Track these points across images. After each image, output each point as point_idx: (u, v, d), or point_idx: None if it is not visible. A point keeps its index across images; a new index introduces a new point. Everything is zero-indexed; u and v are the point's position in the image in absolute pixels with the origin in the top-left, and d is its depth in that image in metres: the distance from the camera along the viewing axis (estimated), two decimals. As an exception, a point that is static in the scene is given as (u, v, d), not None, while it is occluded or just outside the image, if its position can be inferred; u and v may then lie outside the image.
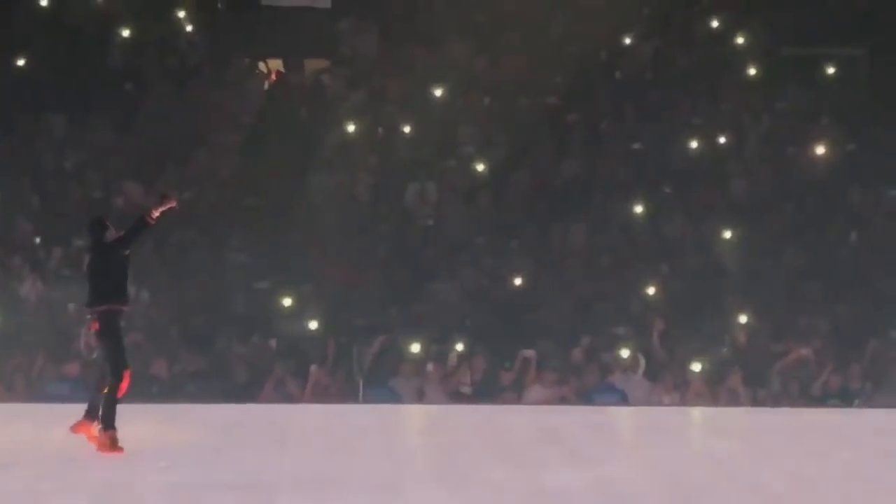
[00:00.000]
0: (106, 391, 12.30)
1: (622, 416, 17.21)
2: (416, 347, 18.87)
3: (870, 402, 18.31)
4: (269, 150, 21.19)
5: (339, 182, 21.06)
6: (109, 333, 12.30)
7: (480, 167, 21.29)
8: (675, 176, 21.29)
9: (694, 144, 21.70)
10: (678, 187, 21.21)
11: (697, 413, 17.53)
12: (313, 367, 18.50)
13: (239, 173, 21.22)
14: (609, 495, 10.93)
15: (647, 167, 21.38)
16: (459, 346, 18.99)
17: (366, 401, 17.96)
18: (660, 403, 18.34)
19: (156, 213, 12.40)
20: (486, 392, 18.59)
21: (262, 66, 22.84)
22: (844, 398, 18.40)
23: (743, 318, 19.42)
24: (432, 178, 21.15)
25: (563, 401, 18.24)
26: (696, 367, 18.64)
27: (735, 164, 21.57)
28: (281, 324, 19.25)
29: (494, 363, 18.85)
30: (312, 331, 19.05)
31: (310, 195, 20.85)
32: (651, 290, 19.85)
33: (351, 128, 21.63)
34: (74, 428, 12.61)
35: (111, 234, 12.52)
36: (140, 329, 18.71)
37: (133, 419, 13.30)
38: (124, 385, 12.30)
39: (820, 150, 21.57)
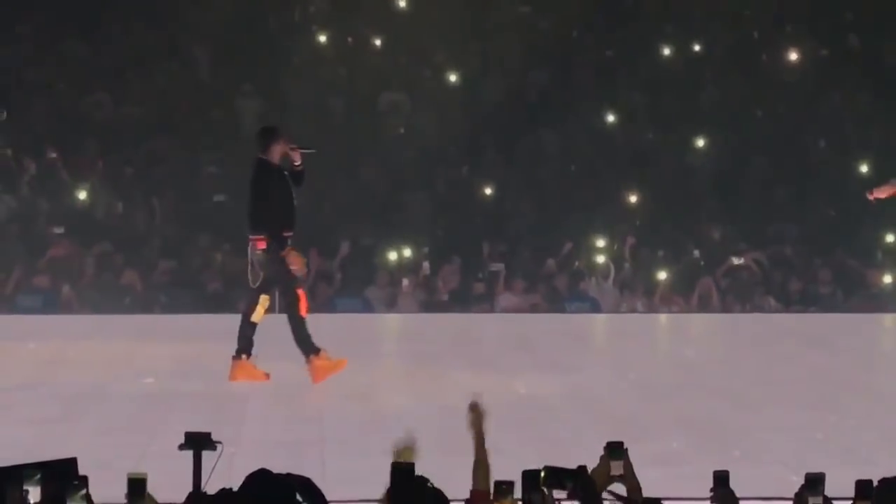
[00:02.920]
0: (289, 317, 11.63)
1: (593, 323, 17.34)
2: (392, 256, 18.93)
3: (840, 306, 18.47)
4: (240, 60, 21.06)
5: (312, 92, 20.98)
6: (278, 257, 11.58)
7: (452, 77, 21.23)
8: (646, 84, 21.27)
9: (666, 52, 21.65)
10: (650, 95, 21.20)
11: (668, 319, 17.67)
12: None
13: (209, 84, 21.10)
14: (579, 400, 11.05)
15: (618, 75, 21.34)
16: (430, 256, 19.06)
17: (338, 310, 18.03)
18: (630, 310, 18.48)
19: (298, 161, 11.79)
20: (459, 300, 18.68)
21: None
22: (814, 303, 18.56)
23: (714, 225, 19.53)
24: (404, 89, 21.10)
25: (534, 309, 18.34)
26: (665, 274, 18.77)
27: (706, 72, 21.55)
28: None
29: (467, 272, 18.93)
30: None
31: (282, 105, 20.75)
32: (622, 199, 19.92)
33: (322, 38, 21.51)
34: (233, 374, 11.66)
35: (279, 149, 11.76)
36: (112, 240, 18.71)
37: (106, 331, 13.37)
38: (302, 303, 11.68)
39: (792, 56, 21.55)
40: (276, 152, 11.79)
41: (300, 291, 11.73)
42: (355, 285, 18.88)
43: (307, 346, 11.54)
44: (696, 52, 21.82)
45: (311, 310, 12.12)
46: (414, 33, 21.47)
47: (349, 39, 21.67)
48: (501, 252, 19.23)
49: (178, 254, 18.93)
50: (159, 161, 19.94)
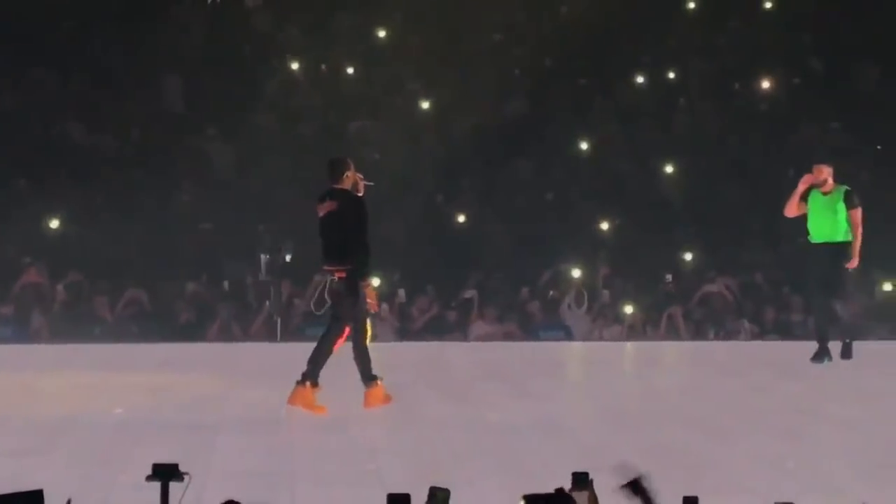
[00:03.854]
0: (356, 347, 11.63)
1: (566, 351, 17.33)
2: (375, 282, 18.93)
3: (812, 335, 18.50)
4: (214, 88, 21.06)
5: (284, 119, 20.99)
6: (356, 289, 11.59)
7: (426, 105, 21.26)
8: (621, 112, 21.34)
9: (640, 80, 21.75)
10: (624, 123, 21.28)
11: (640, 347, 17.67)
12: (267, 303, 18.51)
13: (184, 112, 21.09)
14: (550, 428, 11.02)
15: (592, 103, 21.41)
16: (404, 284, 19.06)
17: (287, 340, 17.96)
18: (602, 338, 18.48)
19: (365, 290, 11.74)
20: (433, 329, 18.66)
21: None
22: (786, 331, 18.60)
23: (686, 254, 19.57)
24: (376, 116, 21.12)
25: (508, 337, 18.34)
26: (631, 307, 18.80)
27: (680, 100, 21.64)
28: (226, 265, 19.24)
29: (440, 301, 18.92)
30: (257, 274, 19.06)
31: (255, 133, 20.76)
32: (597, 227, 19.96)
33: (295, 65, 21.53)
34: (293, 399, 11.59)
35: (349, 179, 11.70)
36: (84, 269, 18.66)
37: (76, 361, 13.30)
38: (341, 340, 11.69)
39: (765, 84, 21.66)
40: (348, 181, 11.79)
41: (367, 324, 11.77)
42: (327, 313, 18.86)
43: (369, 373, 11.70)
44: (670, 80, 21.91)
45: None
46: (388, 61, 21.52)
47: (322, 67, 21.70)
48: (477, 280, 19.24)
49: (149, 283, 18.88)
50: (131, 190, 19.90)
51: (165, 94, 21.18)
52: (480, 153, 20.67)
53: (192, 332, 18.08)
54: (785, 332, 18.58)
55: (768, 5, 22.61)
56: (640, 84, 21.74)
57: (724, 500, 6.08)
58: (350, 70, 21.59)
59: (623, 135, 21.20)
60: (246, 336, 18.28)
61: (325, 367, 11.68)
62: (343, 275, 11.57)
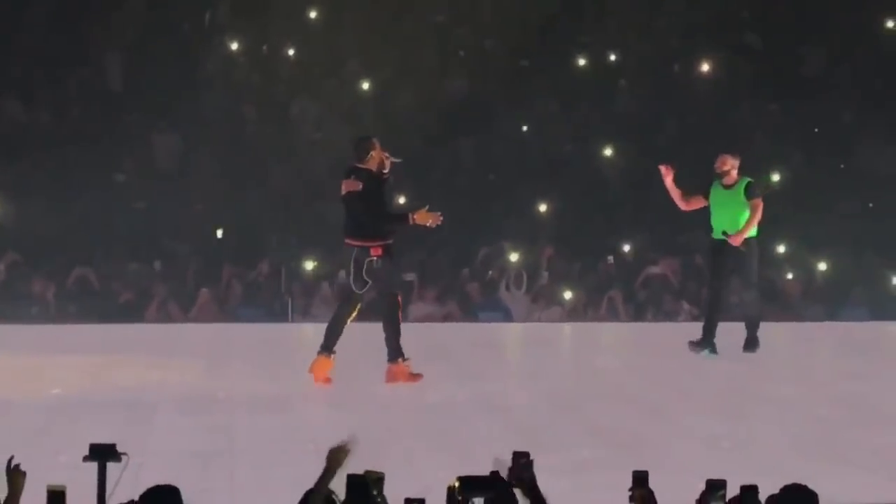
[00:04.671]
0: (388, 321, 12.00)
1: (505, 333, 17.38)
2: (309, 265, 18.89)
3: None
4: (154, 68, 20.90)
5: (224, 99, 20.88)
6: (392, 261, 12.04)
7: (365, 86, 21.22)
8: (561, 93, 21.38)
9: (581, 62, 21.78)
10: (564, 104, 21.32)
11: (580, 328, 17.75)
12: (203, 290, 18.44)
13: (120, 92, 20.92)
14: (490, 409, 11.06)
15: (532, 85, 21.44)
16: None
17: (242, 320, 17.96)
18: (541, 320, 18.54)
19: (419, 222, 12.05)
20: (373, 310, 18.63)
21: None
22: (727, 311, 18.71)
23: (625, 236, 19.67)
24: (317, 96, 21.06)
25: (448, 318, 18.36)
26: (577, 284, 18.87)
27: (620, 81, 21.70)
28: (163, 245, 19.14)
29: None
30: (195, 253, 19.00)
31: (195, 113, 20.63)
32: (537, 208, 20.01)
33: (234, 45, 21.42)
34: (314, 369, 11.97)
35: (375, 157, 11.97)
36: (21, 249, 18.49)
37: (12, 342, 13.20)
38: (401, 309, 12.14)
39: (704, 67, 21.75)
40: (374, 161, 12.02)
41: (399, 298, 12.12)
42: (267, 295, 18.80)
43: (396, 351, 11.96)
44: (611, 62, 21.96)
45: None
46: (327, 41, 21.45)
47: (263, 48, 21.59)
48: (418, 261, 19.23)
49: (88, 263, 18.75)
50: (69, 168, 19.74)
51: (104, 73, 21.01)
52: (421, 133, 20.65)
53: (131, 312, 17.98)
54: (726, 312, 18.69)
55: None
56: (581, 66, 21.79)
57: (660, 478, 6.12)
58: (290, 51, 21.50)
59: (563, 116, 21.25)
60: (186, 318, 18.21)
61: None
62: (379, 252, 11.85)
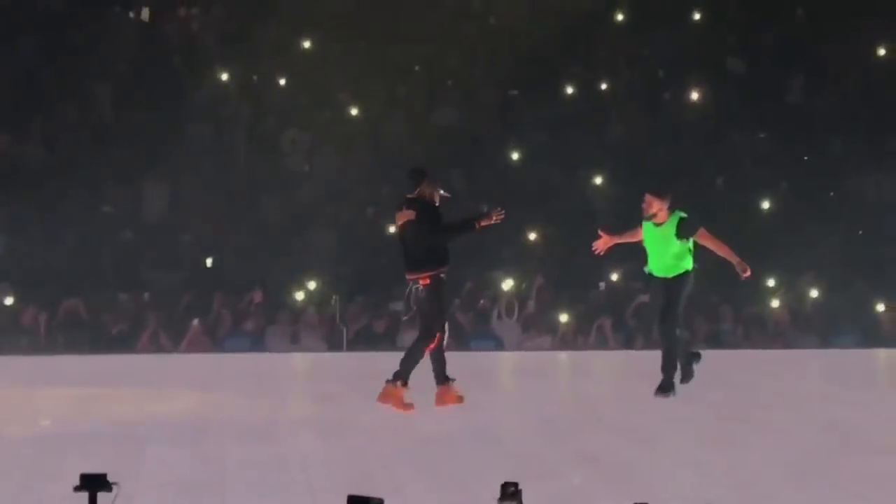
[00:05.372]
0: (413, 347, 12.17)
1: (497, 361, 17.38)
2: (299, 296, 18.90)
3: (742, 343, 18.69)
4: (143, 99, 20.97)
5: (215, 131, 20.93)
6: (439, 294, 12.15)
7: (355, 113, 21.28)
8: (550, 122, 21.46)
9: (570, 90, 21.87)
10: (553, 133, 21.39)
11: (571, 357, 17.75)
12: (195, 322, 18.45)
13: (112, 123, 20.97)
14: (481, 438, 11.06)
15: (522, 113, 21.51)
16: (336, 293, 19.06)
17: (230, 350, 17.97)
18: (533, 348, 18.55)
19: (484, 223, 12.22)
20: (364, 339, 18.65)
21: (133, 14, 22.56)
22: (715, 340, 18.75)
23: (615, 265, 19.70)
24: (308, 126, 21.12)
25: (438, 347, 18.33)
26: (565, 316, 18.88)
27: (610, 110, 21.79)
28: (151, 276, 19.14)
29: (370, 311, 18.91)
30: (185, 284, 19.00)
31: (185, 144, 20.68)
32: (528, 236, 20.04)
33: (224, 76, 21.49)
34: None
35: (427, 189, 12.18)
36: (11, 280, 18.50)
37: (3, 373, 13.17)
38: (433, 345, 12.19)
39: (693, 95, 21.85)
40: (425, 192, 12.22)
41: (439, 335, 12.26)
42: (256, 324, 18.80)
43: (400, 374, 12.11)
44: (601, 91, 22.05)
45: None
46: (317, 71, 21.52)
47: (254, 78, 21.68)
48: (407, 290, 19.24)
49: (78, 294, 18.75)
50: (58, 201, 19.77)
51: (93, 105, 21.05)
52: (411, 162, 20.69)
53: (122, 343, 17.98)
54: (714, 341, 18.73)
55: (697, 16, 22.84)
56: (570, 94, 21.87)
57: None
58: (281, 81, 21.58)
59: (553, 145, 21.32)
60: (176, 348, 18.20)
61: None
62: (427, 282, 12.03)
